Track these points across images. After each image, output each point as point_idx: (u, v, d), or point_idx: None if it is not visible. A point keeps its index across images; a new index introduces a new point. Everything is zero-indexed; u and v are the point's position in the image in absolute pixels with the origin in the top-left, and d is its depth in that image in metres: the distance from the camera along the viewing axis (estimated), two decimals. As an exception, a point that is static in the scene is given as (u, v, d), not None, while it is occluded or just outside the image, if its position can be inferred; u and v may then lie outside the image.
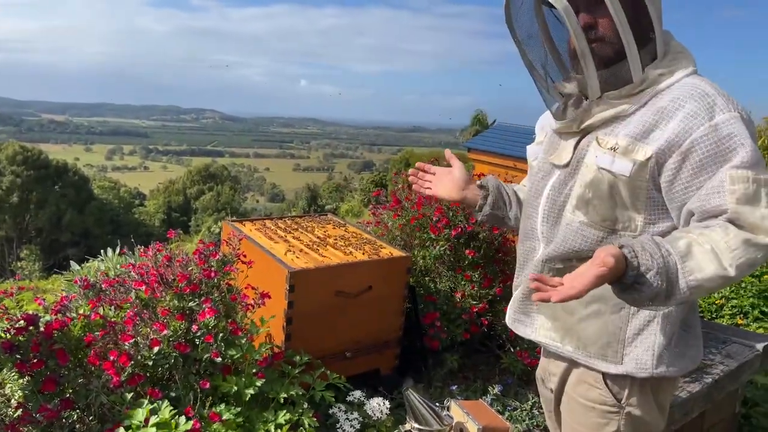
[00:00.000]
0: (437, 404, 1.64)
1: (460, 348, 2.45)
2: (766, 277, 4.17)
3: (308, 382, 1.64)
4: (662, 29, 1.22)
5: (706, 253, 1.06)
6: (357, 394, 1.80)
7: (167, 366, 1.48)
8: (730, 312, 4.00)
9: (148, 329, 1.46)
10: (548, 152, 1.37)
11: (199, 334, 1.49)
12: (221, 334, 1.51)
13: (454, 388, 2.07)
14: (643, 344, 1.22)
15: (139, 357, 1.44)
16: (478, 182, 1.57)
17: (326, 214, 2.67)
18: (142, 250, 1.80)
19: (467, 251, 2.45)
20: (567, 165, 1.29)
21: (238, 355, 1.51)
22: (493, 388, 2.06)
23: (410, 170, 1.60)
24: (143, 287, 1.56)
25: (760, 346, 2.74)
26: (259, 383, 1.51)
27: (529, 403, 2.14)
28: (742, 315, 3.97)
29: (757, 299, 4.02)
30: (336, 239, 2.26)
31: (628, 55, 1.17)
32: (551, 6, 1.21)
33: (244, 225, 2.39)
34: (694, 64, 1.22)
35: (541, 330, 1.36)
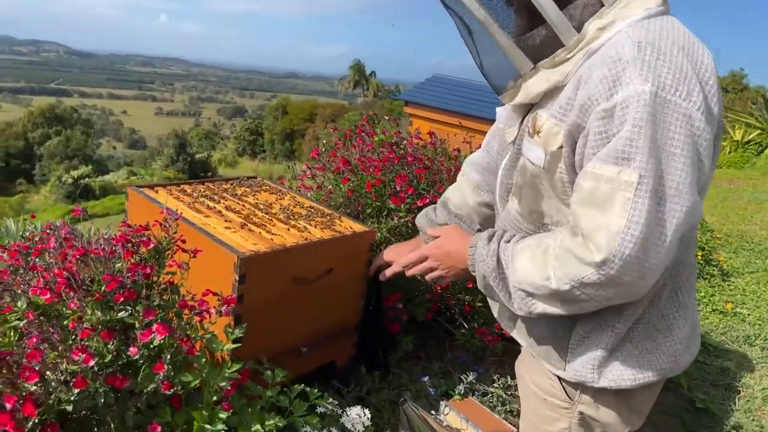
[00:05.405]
0: (433, 413, 1.40)
1: (413, 328, 2.22)
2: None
3: (284, 405, 1.28)
4: None
5: (535, 257, 0.99)
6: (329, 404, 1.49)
7: (93, 406, 1.04)
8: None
9: (63, 360, 1.01)
10: (507, 124, 1.16)
11: (138, 358, 1.07)
12: (169, 356, 1.09)
13: (425, 379, 1.84)
14: (584, 356, 1.04)
15: (51, 400, 1.00)
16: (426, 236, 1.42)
17: (256, 177, 2.23)
18: (29, 236, 1.28)
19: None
20: (514, 143, 1.10)
21: (196, 382, 1.11)
22: (467, 376, 1.86)
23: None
24: (48, 294, 1.07)
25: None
26: (223, 416, 1.13)
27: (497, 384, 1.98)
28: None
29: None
30: (279, 210, 1.87)
31: (545, 17, 0.92)
32: None
33: (157, 192, 1.89)
34: (659, 2, 0.93)
35: (498, 314, 1.23)
